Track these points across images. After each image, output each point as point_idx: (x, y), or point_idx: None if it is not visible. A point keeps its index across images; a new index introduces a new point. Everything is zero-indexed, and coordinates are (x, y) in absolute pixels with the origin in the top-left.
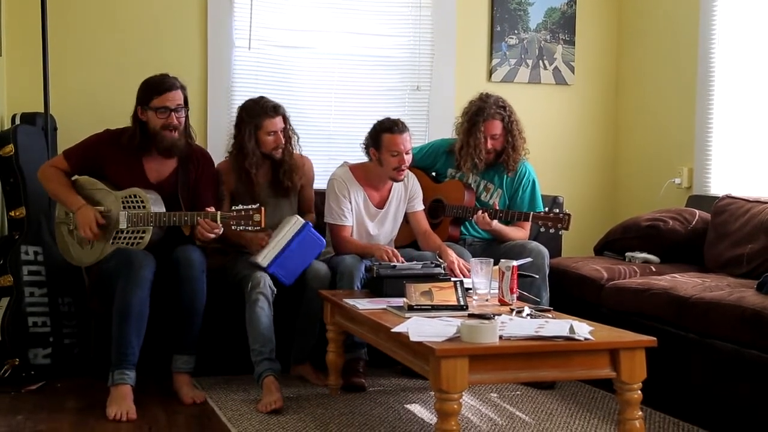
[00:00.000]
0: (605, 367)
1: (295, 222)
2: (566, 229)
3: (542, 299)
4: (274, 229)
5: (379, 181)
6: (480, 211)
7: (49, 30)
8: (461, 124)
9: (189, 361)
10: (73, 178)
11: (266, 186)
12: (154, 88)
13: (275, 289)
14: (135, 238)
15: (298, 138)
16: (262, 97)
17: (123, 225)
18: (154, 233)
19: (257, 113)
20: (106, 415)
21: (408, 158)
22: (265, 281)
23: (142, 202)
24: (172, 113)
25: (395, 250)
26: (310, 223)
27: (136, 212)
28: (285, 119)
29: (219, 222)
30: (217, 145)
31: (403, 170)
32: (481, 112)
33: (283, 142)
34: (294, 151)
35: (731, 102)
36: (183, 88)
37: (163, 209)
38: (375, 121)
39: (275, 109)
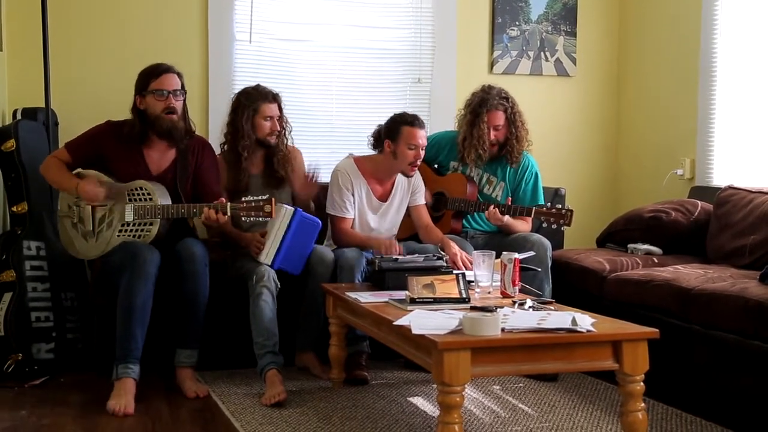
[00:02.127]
0: (608, 359)
1: (285, 212)
2: (568, 225)
3: (544, 291)
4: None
5: (385, 174)
6: (492, 207)
7: (49, 25)
8: (464, 116)
9: (192, 356)
10: (77, 172)
11: (259, 177)
12: (151, 73)
13: (279, 284)
14: (142, 230)
15: (291, 129)
16: (259, 85)
17: (129, 217)
18: (161, 226)
19: (255, 98)
20: (105, 408)
21: (422, 154)
22: (270, 275)
23: (149, 194)
24: (170, 95)
25: (396, 242)
26: (300, 209)
27: (143, 204)
28: (281, 108)
29: (229, 213)
30: (219, 139)
31: (416, 165)
32: (484, 103)
33: (279, 129)
34: (287, 143)
35: (733, 93)
36: (180, 75)
37: (169, 201)
38: (386, 114)
39: (273, 96)
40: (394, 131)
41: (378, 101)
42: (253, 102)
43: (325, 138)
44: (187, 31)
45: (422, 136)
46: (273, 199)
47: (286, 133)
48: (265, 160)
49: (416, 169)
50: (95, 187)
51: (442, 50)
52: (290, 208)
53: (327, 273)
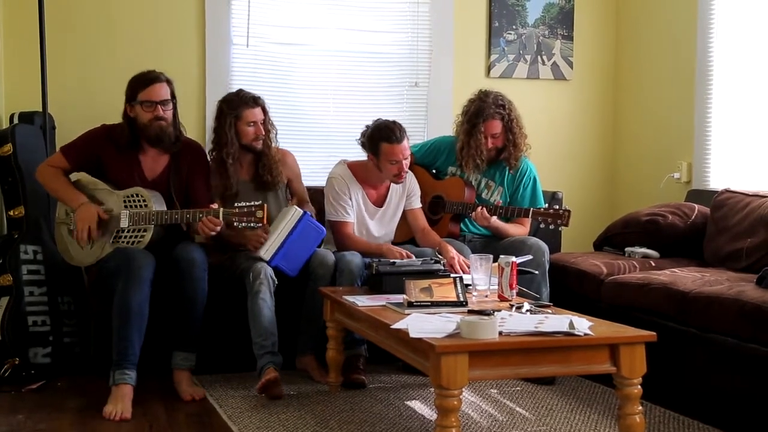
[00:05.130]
0: (605, 362)
1: (294, 213)
2: (566, 225)
3: (542, 295)
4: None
5: (378, 179)
6: (479, 207)
7: (46, 29)
8: (461, 124)
9: (189, 358)
10: (74, 179)
11: (249, 182)
12: (140, 82)
13: (276, 281)
14: (136, 237)
15: (277, 132)
16: (240, 90)
17: (124, 224)
18: (155, 232)
19: (237, 104)
20: (102, 413)
21: (407, 163)
22: (266, 272)
23: (144, 201)
24: (158, 106)
25: (407, 251)
26: (309, 213)
27: (138, 211)
28: (264, 111)
29: (221, 218)
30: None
31: (403, 175)
32: (480, 112)
33: (263, 133)
34: (273, 145)
35: (730, 96)
36: (169, 82)
37: (164, 207)
38: (372, 120)
39: (255, 100)
40: (374, 147)
41: (375, 105)
42: (234, 108)
43: (322, 142)
44: (184, 35)
45: (402, 150)
46: (265, 205)
47: (272, 135)
48: (254, 164)
49: (404, 178)
50: (92, 225)
51: (439, 54)
52: (299, 210)
53: (327, 275)
